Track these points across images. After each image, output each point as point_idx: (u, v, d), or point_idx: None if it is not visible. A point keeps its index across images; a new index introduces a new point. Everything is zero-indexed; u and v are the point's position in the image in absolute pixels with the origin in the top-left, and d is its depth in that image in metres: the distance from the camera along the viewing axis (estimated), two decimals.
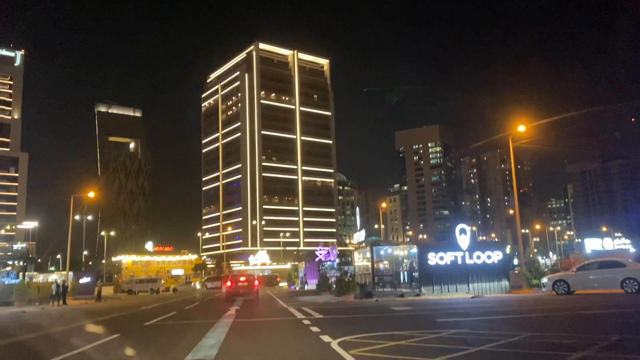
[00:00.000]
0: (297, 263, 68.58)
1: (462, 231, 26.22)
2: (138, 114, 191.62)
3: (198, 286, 66.77)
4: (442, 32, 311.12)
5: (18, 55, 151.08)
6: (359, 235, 32.82)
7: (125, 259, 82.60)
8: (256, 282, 31.82)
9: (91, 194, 43.86)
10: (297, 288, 56.84)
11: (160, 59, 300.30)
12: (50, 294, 32.29)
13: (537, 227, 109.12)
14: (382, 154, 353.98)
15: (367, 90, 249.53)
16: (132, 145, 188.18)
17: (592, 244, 53.28)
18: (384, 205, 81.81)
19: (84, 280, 43.81)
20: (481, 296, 24.23)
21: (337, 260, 57.76)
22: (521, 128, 27.86)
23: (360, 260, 32.02)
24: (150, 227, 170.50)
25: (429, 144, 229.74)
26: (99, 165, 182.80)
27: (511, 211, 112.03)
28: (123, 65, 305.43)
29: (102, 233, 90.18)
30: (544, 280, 23.27)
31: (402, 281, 28.08)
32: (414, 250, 27.27)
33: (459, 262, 25.61)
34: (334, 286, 32.78)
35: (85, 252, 63.50)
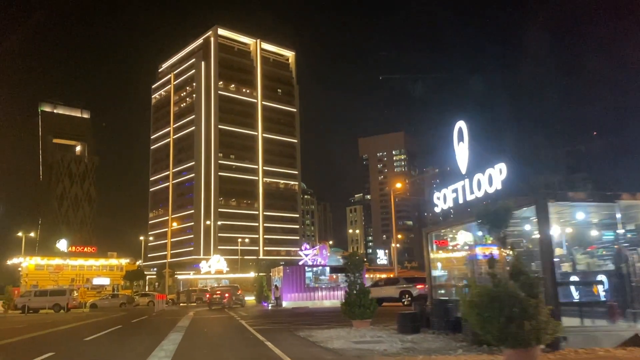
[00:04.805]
0: (270, 272, 51.18)
1: None
2: (86, 116, 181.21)
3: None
4: (416, 25, 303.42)
5: None
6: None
7: (27, 262, 63.89)
8: (226, 295, 41.08)
9: None
10: (270, 306, 41.57)
11: (109, 51, 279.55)
12: None
13: None
14: (344, 161, 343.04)
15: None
16: (78, 148, 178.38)
17: None
18: (398, 185, 64.96)
19: None
20: None
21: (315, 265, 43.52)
22: None
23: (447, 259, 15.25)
24: (96, 234, 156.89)
25: (394, 152, 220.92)
26: (41, 169, 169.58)
27: None
28: (70, 60, 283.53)
29: (20, 234, 72.65)
30: None
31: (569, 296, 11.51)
32: None
33: None
34: (361, 309, 16.86)
35: None
